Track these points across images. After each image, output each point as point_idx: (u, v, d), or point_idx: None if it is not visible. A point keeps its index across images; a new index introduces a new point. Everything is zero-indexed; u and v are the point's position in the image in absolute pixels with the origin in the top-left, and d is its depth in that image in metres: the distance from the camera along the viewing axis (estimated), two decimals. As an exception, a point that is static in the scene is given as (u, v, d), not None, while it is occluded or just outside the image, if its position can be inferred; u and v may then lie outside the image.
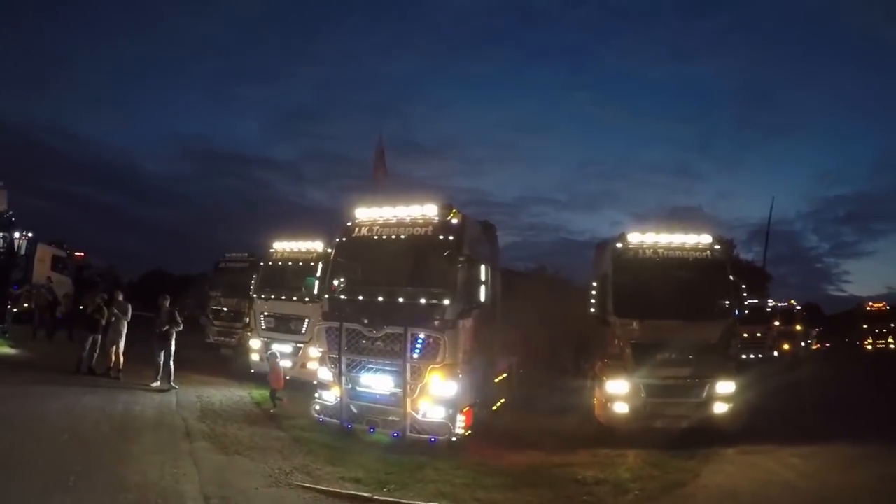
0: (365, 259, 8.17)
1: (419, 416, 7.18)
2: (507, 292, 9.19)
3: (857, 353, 28.43)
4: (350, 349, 7.60)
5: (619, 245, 8.72)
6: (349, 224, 8.25)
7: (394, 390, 7.31)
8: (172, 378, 10.04)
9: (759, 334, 20.19)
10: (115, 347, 10.22)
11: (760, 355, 19.85)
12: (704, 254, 8.68)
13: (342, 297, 7.85)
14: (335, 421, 7.75)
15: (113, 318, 10.36)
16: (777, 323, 21.33)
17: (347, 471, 6.12)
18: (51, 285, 15.79)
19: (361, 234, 8.10)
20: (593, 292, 8.72)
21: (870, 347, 29.90)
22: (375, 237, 7.97)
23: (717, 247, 8.89)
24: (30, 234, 16.31)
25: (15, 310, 14.41)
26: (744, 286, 8.83)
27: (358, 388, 7.63)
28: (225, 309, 13.99)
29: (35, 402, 7.91)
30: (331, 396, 7.79)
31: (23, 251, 16.30)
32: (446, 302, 7.23)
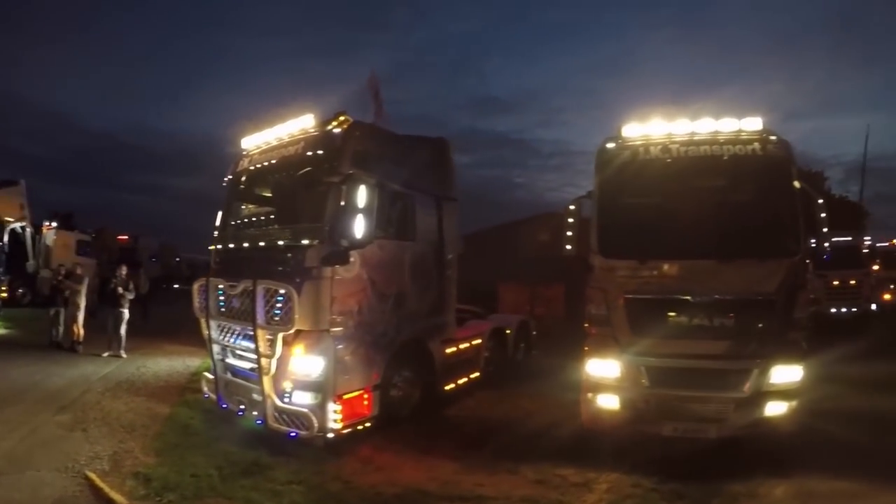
0: (249, 197, 6.89)
1: (280, 401, 5.79)
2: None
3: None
4: (215, 310, 6.49)
5: (609, 145, 5.96)
6: (236, 160, 7.14)
7: (254, 364, 5.96)
8: (122, 347, 10.27)
9: (852, 281, 16.33)
10: (74, 320, 10.75)
11: (854, 309, 16.15)
12: (750, 149, 5.60)
13: (219, 246, 6.73)
14: (214, 398, 6.79)
15: (68, 292, 10.90)
16: (876, 267, 17.07)
17: (158, 465, 5.36)
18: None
19: (244, 167, 6.98)
20: (569, 220, 6.03)
21: None
22: (253, 168, 6.81)
23: (772, 137, 5.63)
24: (22, 224, 17.91)
25: (5, 294, 15.99)
26: (821, 201, 5.65)
27: (227, 360, 6.61)
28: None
29: None
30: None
31: (29, 239, 18.16)
32: (307, 242, 5.67)
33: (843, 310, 15.99)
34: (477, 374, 8.45)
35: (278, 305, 5.57)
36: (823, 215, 5.52)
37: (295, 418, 5.62)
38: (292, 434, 5.63)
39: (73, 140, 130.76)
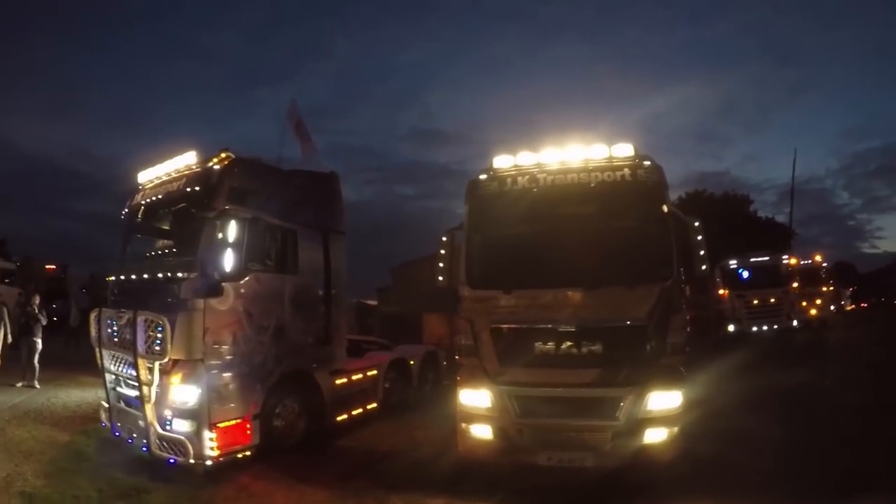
0: (142, 230, 7.50)
1: (161, 429, 6.08)
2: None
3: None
4: (108, 340, 6.79)
5: (481, 177, 6.04)
6: (132, 194, 7.44)
7: (136, 393, 6.27)
8: (35, 377, 10.42)
9: (772, 300, 16.94)
10: None
11: (776, 326, 16.73)
12: (619, 175, 5.62)
13: (114, 277, 7.07)
14: (108, 427, 7.06)
15: None
16: (796, 285, 17.72)
17: (45, 486, 5.67)
18: None
19: (137, 201, 7.28)
20: (442, 251, 6.06)
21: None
22: (145, 202, 7.13)
23: (645, 163, 5.67)
24: None
25: None
26: (697, 224, 5.53)
27: (118, 389, 6.85)
28: None
29: None
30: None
31: None
32: (183, 274, 6.00)
33: (765, 328, 16.51)
34: (374, 405, 8.62)
35: (156, 335, 5.87)
36: (700, 238, 5.45)
37: (174, 445, 5.91)
38: (171, 461, 5.92)
39: (8, 164, 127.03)
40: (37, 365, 10.41)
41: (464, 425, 5.70)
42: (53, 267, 26.29)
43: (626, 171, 5.60)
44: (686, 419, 5.34)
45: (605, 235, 5.71)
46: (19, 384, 10.26)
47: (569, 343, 5.31)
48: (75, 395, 10.02)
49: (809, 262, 21.22)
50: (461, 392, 5.75)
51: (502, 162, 6.01)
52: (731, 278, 17.78)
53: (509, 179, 5.88)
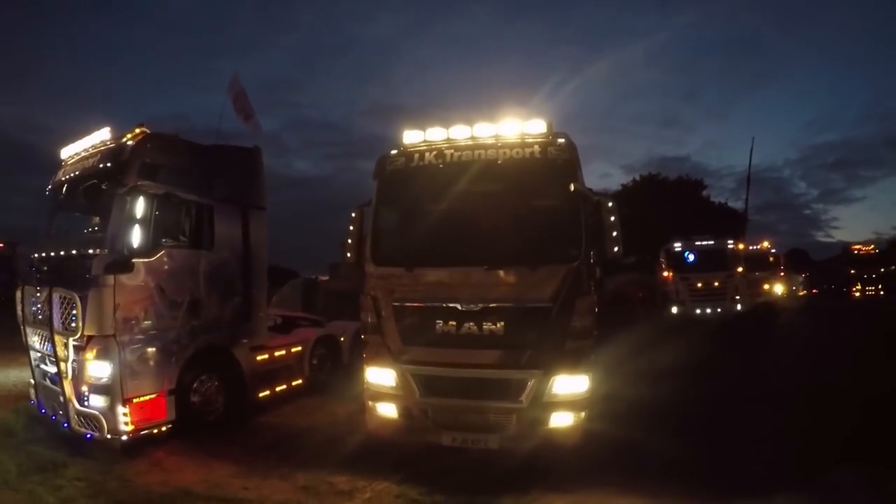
0: (63, 206, 7.47)
1: (79, 405, 6.23)
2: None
3: (842, 302, 26.82)
4: (31, 317, 6.94)
5: (390, 153, 5.99)
6: (55, 170, 7.48)
7: (56, 369, 6.44)
8: None
9: (716, 283, 17.28)
10: None
11: (719, 310, 16.98)
12: (529, 152, 5.51)
13: (36, 254, 7.11)
14: (35, 404, 7.25)
15: None
16: (741, 269, 18.22)
17: None
18: None
19: (59, 177, 7.32)
20: (350, 227, 5.98)
21: (858, 295, 29.54)
22: (65, 178, 7.15)
23: (559, 141, 5.56)
24: None
25: None
26: (610, 204, 5.44)
27: (42, 366, 7.02)
28: None
29: None
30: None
31: None
32: (95, 251, 6.09)
33: (708, 311, 16.71)
34: (300, 381, 8.73)
35: (70, 312, 6.03)
36: (613, 219, 5.37)
37: (90, 421, 6.09)
38: (89, 436, 6.12)
39: None
40: None
41: (371, 403, 5.76)
42: (1, 245, 25.59)
43: (536, 147, 5.51)
44: (593, 404, 5.35)
45: (512, 214, 5.69)
46: None
47: (471, 323, 5.28)
48: (12, 376, 10.13)
49: (757, 247, 21.73)
50: (367, 370, 5.79)
51: (412, 137, 5.94)
52: (676, 261, 17.99)
53: (417, 155, 5.82)
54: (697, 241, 18.14)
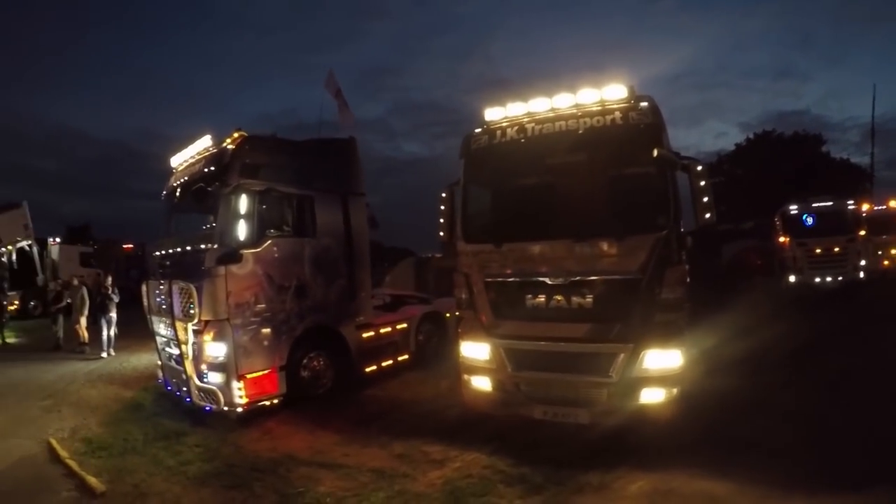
0: (178, 208, 8.30)
1: (199, 381, 7.04)
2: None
3: None
4: (156, 307, 7.87)
5: (475, 131, 6.04)
6: (168, 177, 8.39)
7: (178, 351, 7.29)
8: (110, 346, 11.97)
9: (836, 249, 15.51)
10: (77, 325, 12.57)
11: (840, 278, 15.27)
12: (610, 119, 5.32)
13: (157, 252, 8.04)
14: (162, 383, 8.22)
15: (67, 301, 12.84)
16: (863, 233, 16.10)
17: (103, 433, 6.83)
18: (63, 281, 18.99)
19: (171, 183, 8.21)
20: (442, 207, 6.19)
21: None
22: (176, 183, 8.01)
23: (641, 104, 5.30)
24: (28, 242, 20.16)
25: (12, 307, 18.00)
26: (700, 168, 5.17)
27: (167, 349, 7.91)
28: None
29: None
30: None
31: (36, 256, 20.39)
32: (207, 245, 6.83)
33: (828, 279, 15.39)
34: (406, 356, 9.30)
35: (188, 300, 6.81)
36: (704, 184, 5.11)
37: (208, 395, 6.87)
38: (208, 409, 6.92)
39: (84, 151, 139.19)
40: (112, 337, 11.95)
41: (466, 377, 5.94)
42: (131, 246, 28.86)
43: (618, 114, 5.30)
44: (687, 380, 5.13)
45: (597, 184, 5.56)
46: (103, 354, 11.79)
47: (560, 297, 5.30)
48: (145, 360, 11.39)
49: (884, 207, 19.36)
50: (462, 344, 5.98)
51: (494, 114, 5.93)
52: (793, 225, 16.43)
53: (499, 132, 5.83)
54: (815, 202, 16.66)
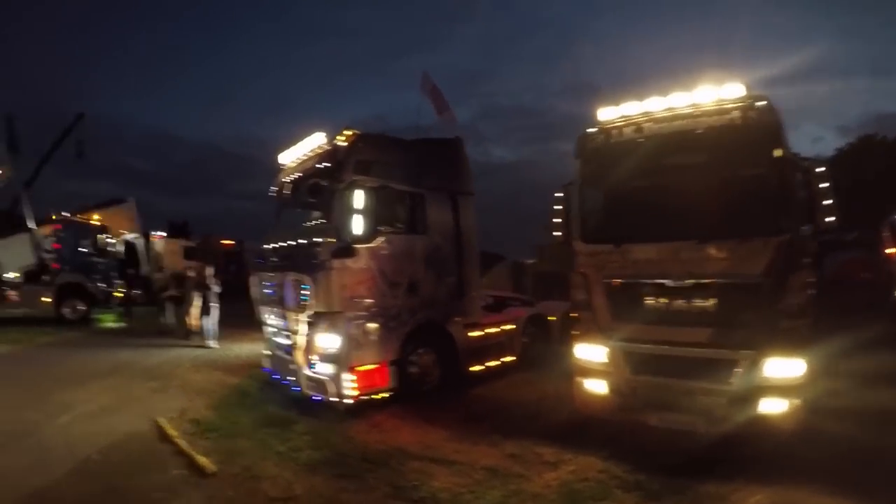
0: (289, 203, 8.54)
1: (309, 371, 7.23)
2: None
3: None
4: (265, 298, 8.14)
5: (588, 131, 6.03)
6: (277, 173, 8.72)
7: (290, 341, 7.48)
8: (214, 337, 12.50)
9: None
10: (186, 314, 13.37)
11: None
12: (729, 118, 5.22)
13: (267, 246, 8.39)
14: (269, 371, 8.48)
15: (176, 291, 13.92)
16: None
17: (211, 416, 7.02)
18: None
19: (282, 179, 8.55)
20: (556, 207, 6.21)
21: None
22: (288, 180, 8.32)
23: (758, 104, 5.14)
24: (134, 236, 21.56)
25: (119, 294, 18.74)
26: (821, 169, 4.98)
27: (276, 339, 8.20)
28: None
29: (84, 353, 11.78)
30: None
31: (141, 248, 21.87)
32: (322, 239, 7.02)
33: None
34: (511, 357, 9.25)
35: (301, 292, 7.00)
36: (825, 186, 4.95)
37: (318, 385, 7.04)
38: (317, 398, 7.08)
39: (181, 154, 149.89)
40: (215, 327, 12.48)
41: (579, 379, 5.88)
42: (230, 242, 30.49)
43: (736, 113, 5.18)
44: (810, 391, 4.92)
45: (717, 185, 5.41)
46: (207, 342, 12.36)
47: (680, 299, 5.21)
48: (247, 349, 11.90)
49: None
50: (577, 346, 5.94)
51: (608, 113, 5.94)
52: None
53: (615, 131, 5.83)
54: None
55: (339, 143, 7.26)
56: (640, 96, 5.77)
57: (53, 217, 18.05)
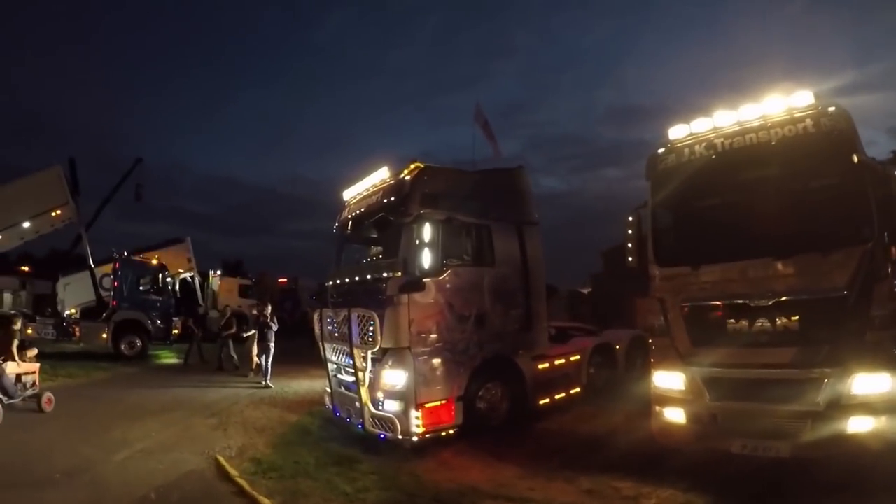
0: (352, 239, 8.76)
1: (374, 408, 7.11)
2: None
3: None
4: (328, 335, 8.10)
5: (659, 151, 5.94)
6: (340, 209, 8.75)
7: (354, 378, 7.40)
8: (268, 376, 12.38)
9: None
10: (249, 352, 13.59)
11: None
12: (801, 128, 5.06)
13: (331, 282, 8.34)
14: (331, 408, 8.38)
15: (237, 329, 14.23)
16: None
17: (272, 454, 6.91)
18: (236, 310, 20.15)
19: (345, 215, 8.54)
20: (629, 231, 6.11)
21: None
22: (351, 216, 8.32)
23: (829, 110, 5.02)
24: (191, 274, 22.18)
25: (176, 331, 19.06)
26: None
27: (339, 376, 8.13)
28: None
29: (141, 389, 12.00)
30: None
31: (197, 286, 22.67)
32: (389, 274, 6.99)
33: None
34: (578, 389, 9.01)
35: (368, 328, 6.93)
36: None
37: (384, 423, 6.88)
38: (382, 436, 6.92)
39: (236, 196, 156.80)
40: (266, 365, 12.37)
41: (657, 408, 5.70)
42: (285, 280, 31.41)
43: (809, 121, 5.03)
44: None
45: (793, 196, 5.27)
46: (262, 382, 12.27)
47: (762, 319, 5.02)
48: (305, 385, 11.89)
49: None
50: (654, 374, 5.77)
51: (678, 132, 5.84)
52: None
53: (686, 149, 5.71)
54: None
55: (405, 177, 7.29)
56: (699, 113, 5.69)
57: (113, 256, 18.81)
